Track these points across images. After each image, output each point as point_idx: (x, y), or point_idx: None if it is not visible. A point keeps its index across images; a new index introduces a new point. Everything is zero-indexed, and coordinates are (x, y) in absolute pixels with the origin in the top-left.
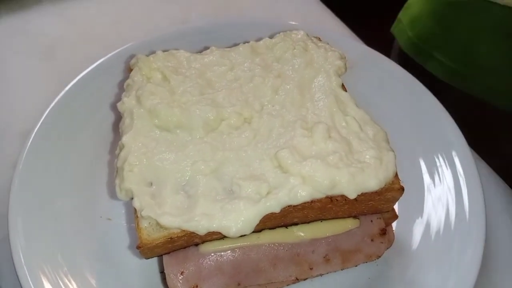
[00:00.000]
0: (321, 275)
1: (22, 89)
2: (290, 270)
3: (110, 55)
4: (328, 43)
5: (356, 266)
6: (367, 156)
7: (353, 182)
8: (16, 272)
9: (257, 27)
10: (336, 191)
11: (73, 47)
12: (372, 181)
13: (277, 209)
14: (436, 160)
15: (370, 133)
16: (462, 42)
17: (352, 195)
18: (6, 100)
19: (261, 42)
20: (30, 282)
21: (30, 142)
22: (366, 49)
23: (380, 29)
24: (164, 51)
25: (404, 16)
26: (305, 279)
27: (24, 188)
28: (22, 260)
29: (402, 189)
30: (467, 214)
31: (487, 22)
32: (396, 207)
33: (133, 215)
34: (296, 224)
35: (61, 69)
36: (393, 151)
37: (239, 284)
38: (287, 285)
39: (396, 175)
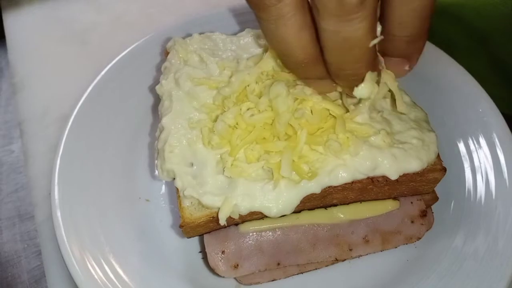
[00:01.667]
0: (359, 256)
1: (58, 75)
2: (330, 251)
3: (145, 38)
4: None
5: (396, 248)
6: (409, 137)
7: (395, 163)
8: (60, 251)
9: None
10: (377, 172)
11: (107, 33)
12: (414, 162)
13: (317, 190)
14: (475, 141)
15: (411, 114)
16: (441, 46)
17: (393, 176)
18: (44, 86)
19: None
20: (74, 261)
21: (69, 125)
22: None
23: None
24: (200, 33)
25: None
26: (343, 260)
27: (65, 170)
28: (65, 239)
29: (444, 170)
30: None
31: (460, 28)
32: (436, 188)
33: (172, 196)
34: (335, 205)
35: (95, 55)
36: (434, 131)
37: (278, 264)
38: (326, 266)
39: (438, 156)
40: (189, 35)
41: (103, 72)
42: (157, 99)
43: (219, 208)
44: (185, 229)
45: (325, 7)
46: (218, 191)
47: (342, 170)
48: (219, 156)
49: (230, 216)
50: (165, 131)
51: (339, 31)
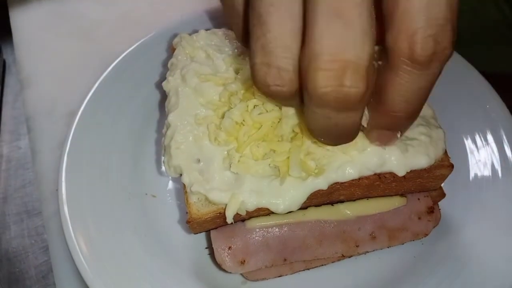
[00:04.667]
0: (366, 252)
1: (65, 71)
2: (336, 247)
3: (152, 34)
4: None
5: (403, 244)
6: (416, 133)
7: (402, 159)
8: (68, 246)
9: None
10: (385, 169)
11: (113, 29)
12: (422, 158)
13: (324, 186)
14: (483, 138)
15: None
16: None
17: (401, 173)
18: (51, 82)
19: None
20: (81, 256)
21: (76, 121)
22: None
23: None
24: (206, 29)
25: None
26: (350, 257)
27: (72, 166)
28: (73, 235)
29: (452, 166)
30: None
31: None
32: (442, 185)
33: (178, 192)
34: (342, 201)
35: (102, 51)
36: (442, 128)
37: (285, 260)
38: (332, 262)
39: (445, 152)
40: (196, 31)
41: (109, 69)
42: (164, 96)
43: (226, 204)
44: (192, 224)
45: (321, 99)
46: (225, 187)
47: (349, 167)
48: (225, 152)
49: (237, 213)
50: (171, 128)
51: (330, 118)
